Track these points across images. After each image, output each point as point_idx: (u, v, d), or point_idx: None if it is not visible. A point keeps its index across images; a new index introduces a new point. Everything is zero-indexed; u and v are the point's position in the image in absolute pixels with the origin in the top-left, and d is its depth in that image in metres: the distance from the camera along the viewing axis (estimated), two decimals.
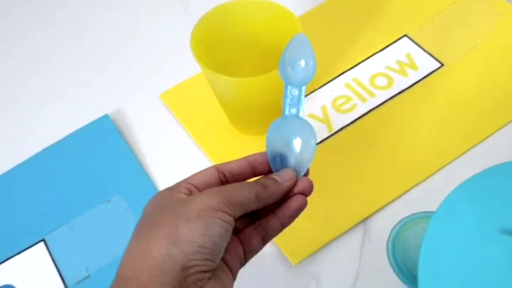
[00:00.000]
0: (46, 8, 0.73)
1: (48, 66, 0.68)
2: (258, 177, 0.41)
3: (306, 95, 0.58)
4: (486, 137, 0.54)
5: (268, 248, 0.50)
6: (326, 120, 0.56)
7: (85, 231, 0.53)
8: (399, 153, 0.54)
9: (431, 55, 0.61)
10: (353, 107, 0.57)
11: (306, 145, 0.42)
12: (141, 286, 0.32)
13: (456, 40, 0.62)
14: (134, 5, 0.72)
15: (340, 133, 0.56)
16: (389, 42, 0.62)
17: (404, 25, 0.63)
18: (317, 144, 0.55)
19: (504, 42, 0.61)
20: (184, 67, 0.62)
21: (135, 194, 0.55)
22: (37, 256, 0.52)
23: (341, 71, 0.60)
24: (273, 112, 0.56)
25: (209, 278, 0.34)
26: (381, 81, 0.59)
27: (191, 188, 0.38)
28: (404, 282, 0.34)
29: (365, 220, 0.51)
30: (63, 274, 0.50)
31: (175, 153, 0.58)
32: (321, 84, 0.59)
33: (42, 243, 0.52)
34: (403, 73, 0.60)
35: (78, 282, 0.50)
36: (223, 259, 0.36)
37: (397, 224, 0.35)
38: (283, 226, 0.40)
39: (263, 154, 0.41)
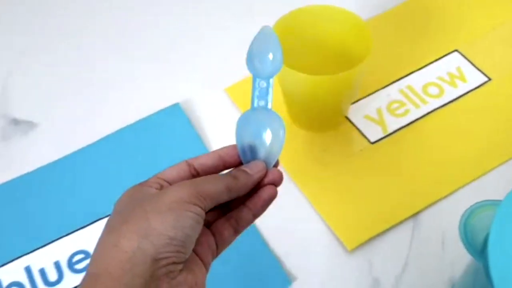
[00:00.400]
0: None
1: (131, 54, 0.72)
2: (230, 169, 0.41)
3: (366, 96, 0.63)
4: None
5: (324, 233, 0.55)
6: (381, 122, 0.61)
7: None
8: (448, 155, 0.59)
9: (479, 69, 0.65)
10: (407, 112, 0.62)
11: (275, 136, 0.42)
12: (112, 280, 0.32)
13: (503, 57, 0.66)
14: (206, 5, 0.77)
15: (394, 134, 0.60)
16: (441, 55, 0.67)
17: (456, 41, 0.68)
18: (373, 143, 0.59)
19: None
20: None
21: None
22: None
23: (397, 78, 0.65)
24: (334, 111, 0.61)
25: (181, 270, 0.34)
26: (433, 90, 0.64)
27: (162, 183, 0.38)
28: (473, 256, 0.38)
29: (415, 214, 0.55)
30: None
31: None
32: (378, 88, 0.64)
33: None
34: (453, 84, 0.64)
35: None
36: (195, 251, 0.36)
37: (468, 209, 0.39)
38: (255, 216, 0.41)
39: (233, 146, 0.42)
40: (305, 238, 0.55)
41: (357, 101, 0.62)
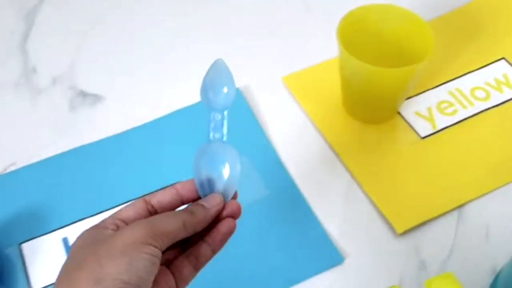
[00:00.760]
0: None
1: (199, 36, 0.76)
2: (188, 204, 0.41)
3: (418, 94, 0.66)
4: None
5: (375, 217, 0.58)
6: (431, 119, 0.65)
7: None
8: (493, 154, 0.62)
9: None
10: (455, 111, 0.65)
11: (232, 169, 0.42)
12: None
13: None
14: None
15: (443, 131, 0.64)
16: (489, 62, 0.70)
17: (503, 49, 0.71)
18: (423, 138, 0.63)
19: None
20: (304, 56, 0.72)
21: (259, 157, 0.63)
22: None
23: (446, 80, 0.68)
24: (390, 105, 0.64)
25: None
26: (480, 94, 0.67)
27: (118, 223, 0.38)
28: None
29: (461, 205, 0.59)
30: None
31: (291, 128, 0.66)
32: (428, 88, 0.67)
33: None
34: (499, 89, 0.67)
35: None
36: None
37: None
38: (214, 252, 0.40)
39: (191, 181, 0.42)
40: (357, 221, 0.59)
41: (409, 98, 0.66)
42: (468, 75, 0.69)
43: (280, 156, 0.63)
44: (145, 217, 0.39)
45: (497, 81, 0.68)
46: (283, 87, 0.70)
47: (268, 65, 0.72)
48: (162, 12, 0.79)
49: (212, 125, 0.44)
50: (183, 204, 0.42)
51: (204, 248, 0.40)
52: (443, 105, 0.66)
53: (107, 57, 0.74)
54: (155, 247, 0.35)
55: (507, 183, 0.60)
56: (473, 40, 0.72)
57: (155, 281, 0.36)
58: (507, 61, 0.70)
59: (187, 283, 0.39)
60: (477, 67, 0.69)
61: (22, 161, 0.63)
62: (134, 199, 0.58)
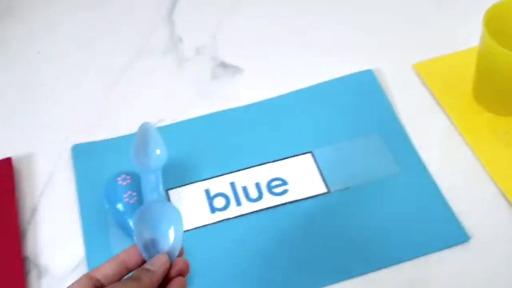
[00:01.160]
0: None
1: (332, 16, 0.80)
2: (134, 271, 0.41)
3: None
4: None
5: (500, 203, 0.60)
6: None
7: (346, 154, 0.65)
8: None
9: None
10: None
11: (175, 226, 0.42)
12: None
13: None
14: None
15: None
16: None
17: None
18: None
19: None
20: (434, 46, 0.74)
21: (390, 136, 0.66)
22: (305, 163, 0.65)
23: None
24: None
25: None
26: None
27: None
28: None
29: None
30: (326, 180, 0.63)
31: (419, 111, 0.69)
32: None
33: (309, 155, 0.65)
34: None
35: (339, 190, 0.62)
36: None
37: None
38: None
39: (133, 246, 0.41)
40: (484, 205, 0.61)
41: None
42: None
43: (410, 137, 0.66)
44: None
45: None
46: (413, 74, 0.73)
47: (399, 51, 0.75)
48: None
49: (147, 186, 0.44)
50: (129, 271, 0.41)
51: None
52: None
53: (247, 32, 0.79)
54: None
55: None
56: None
57: None
58: None
59: None
60: None
61: (169, 119, 0.70)
62: (267, 162, 0.65)
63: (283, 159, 0.65)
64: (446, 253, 0.57)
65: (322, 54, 0.76)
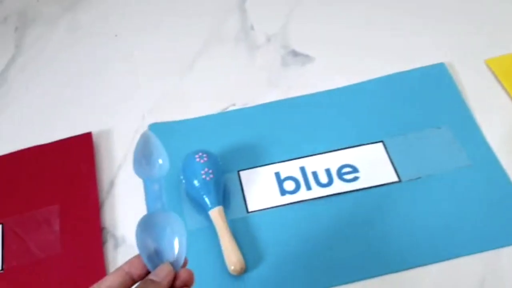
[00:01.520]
0: None
1: (401, 12, 0.80)
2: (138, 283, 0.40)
3: None
4: None
5: None
6: None
7: (417, 144, 0.65)
8: None
9: None
10: None
11: (179, 236, 0.41)
12: None
13: None
14: None
15: None
16: None
17: None
18: None
19: None
20: (509, 40, 0.74)
21: (462, 129, 0.66)
22: (376, 151, 0.65)
23: None
24: None
25: None
26: None
27: None
28: None
29: None
30: (397, 169, 0.63)
31: (492, 107, 0.68)
32: None
33: (381, 144, 0.66)
34: None
35: (410, 180, 0.62)
36: None
37: None
38: None
39: (138, 257, 0.41)
40: None
41: None
42: None
43: (483, 131, 0.66)
44: None
45: None
46: (486, 69, 0.72)
47: (472, 46, 0.75)
48: None
49: (151, 195, 0.44)
50: (134, 283, 0.41)
51: None
52: None
53: (319, 21, 0.81)
54: None
55: None
56: None
57: None
58: None
59: None
60: None
61: (240, 103, 0.72)
62: (338, 149, 0.66)
63: (354, 146, 0.66)
64: None
65: (395, 46, 0.76)
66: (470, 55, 0.74)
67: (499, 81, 0.70)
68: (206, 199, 0.60)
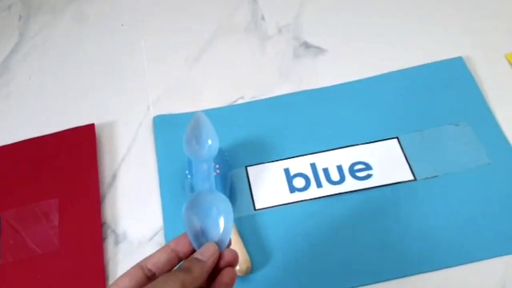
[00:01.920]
0: None
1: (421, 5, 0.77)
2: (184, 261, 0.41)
3: None
4: None
5: None
6: None
7: (434, 141, 0.62)
8: None
9: None
10: None
11: (225, 216, 0.42)
12: None
13: None
14: None
15: None
16: None
17: None
18: None
19: None
20: None
21: (481, 126, 0.63)
22: (391, 148, 0.62)
23: None
24: None
25: None
26: None
27: None
28: None
29: None
30: (412, 167, 0.60)
31: (507, 104, 0.65)
32: None
33: (395, 140, 0.63)
34: None
35: (426, 178, 0.59)
36: None
37: None
38: None
39: (184, 235, 0.41)
40: None
41: None
42: None
43: (502, 128, 0.63)
44: (143, 283, 0.39)
45: None
46: (505, 63, 0.69)
47: (491, 40, 0.72)
48: None
49: (199, 175, 0.44)
50: (180, 260, 0.41)
51: None
52: None
53: (332, 12, 0.77)
54: None
55: None
56: None
57: None
58: None
59: None
60: None
61: (249, 96, 0.69)
62: (350, 145, 0.63)
63: (367, 143, 0.63)
64: None
65: (411, 39, 0.73)
66: (489, 48, 0.71)
67: None
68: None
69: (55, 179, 0.62)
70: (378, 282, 0.54)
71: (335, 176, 0.61)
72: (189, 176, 0.60)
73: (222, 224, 0.42)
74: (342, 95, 0.68)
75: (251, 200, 0.60)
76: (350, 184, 0.60)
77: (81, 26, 0.81)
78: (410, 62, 0.70)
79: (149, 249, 0.57)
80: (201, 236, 0.42)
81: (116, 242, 0.58)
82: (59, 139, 0.65)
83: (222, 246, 0.42)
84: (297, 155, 0.63)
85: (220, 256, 0.41)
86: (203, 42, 0.76)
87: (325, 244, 0.56)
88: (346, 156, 0.62)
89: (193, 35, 0.77)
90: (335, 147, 0.63)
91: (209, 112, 0.67)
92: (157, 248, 0.56)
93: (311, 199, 0.59)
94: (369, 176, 0.60)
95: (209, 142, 0.46)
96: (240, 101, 0.69)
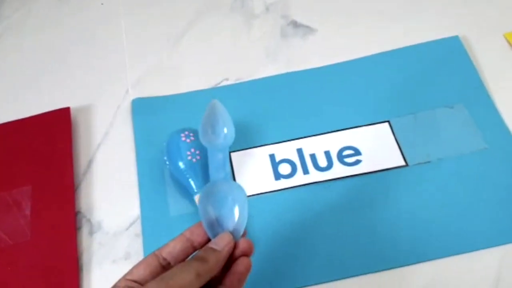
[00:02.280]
0: None
1: None
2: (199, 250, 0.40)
3: None
4: None
5: None
6: None
7: (427, 125, 0.59)
8: None
9: None
10: None
11: (240, 206, 0.41)
12: None
13: None
14: None
15: None
16: None
17: None
18: None
19: None
20: None
21: (477, 109, 0.59)
22: (382, 132, 0.59)
23: None
24: None
25: None
26: None
27: (131, 285, 0.38)
28: None
29: None
30: (404, 152, 0.57)
31: (510, 86, 0.62)
32: None
33: (386, 124, 0.59)
34: None
35: (418, 164, 0.56)
36: None
37: None
38: None
39: (199, 224, 0.41)
40: None
41: None
42: None
43: (500, 111, 0.59)
44: (158, 272, 0.39)
45: None
46: (504, 43, 0.65)
47: (489, 19, 0.68)
48: None
49: (214, 165, 0.43)
50: (195, 249, 0.41)
51: None
52: None
53: None
54: None
55: None
56: None
57: None
58: None
59: None
60: None
61: (234, 78, 0.65)
62: (339, 130, 0.60)
63: (357, 127, 0.60)
64: None
65: (405, 18, 0.69)
66: (486, 27, 0.67)
67: None
68: (192, 183, 0.54)
69: (28, 166, 0.59)
70: (367, 273, 0.51)
71: (322, 162, 0.58)
72: (167, 163, 0.56)
73: (237, 214, 0.42)
74: (331, 77, 0.64)
75: None
76: (338, 170, 0.57)
77: (58, 5, 0.77)
78: (403, 42, 0.66)
79: (125, 239, 0.54)
80: (216, 226, 0.42)
81: (91, 232, 0.55)
82: (33, 123, 0.62)
83: (237, 236, 0.41)
84: (283, 140, 0.60)
85: (235, 246, 0.41)
86: (186, 21, 0.72)
87: (311, 234, 0.53)
88: (334, 141, 0.59)
89: (175, 13, 0.73)
90: (323, 132, 0.60)
91: (191, 95, 0.64)
92: (133, 238, 0.55)
93: (297, 186, 0.56)
94: (358, 162, 0.57)
95: (225, 130, 0.45)
96: (224, 83, 0.65)
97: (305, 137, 0.60)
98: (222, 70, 0.66)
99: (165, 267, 0.40)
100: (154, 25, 0.72)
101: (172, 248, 0.40)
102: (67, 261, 0.53)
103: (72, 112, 0.63)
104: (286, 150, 0.59)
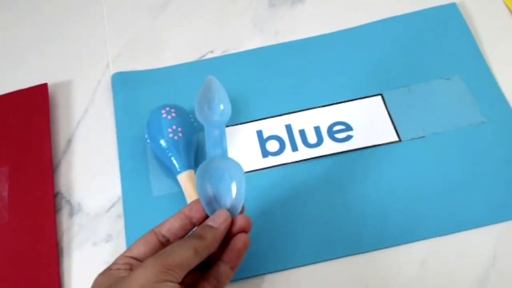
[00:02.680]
0: None
1: None
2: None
3: None
4: None
5: None
6: None
7: (422, 98, 0.56)
8: None
9: None
10: None
11: (238, 182, 0.42)
12: None
13: None
14: None
15: None
16: None
17: None
18: None
19: None
20: None
21: (475, 79, 0.57)
22: (374, 106, 0.56)
23: None
24: None
25: None
26: None
27: (131, 262, 0.38)
28: None
29: None
30: (397, 127, 0.55)
31: (510, 56, 0.59)
32: None
33: (379, 97, 0.57)
34: None
35: (412, 139, 0.54)
36: None
37: None
38: (233, 268, 0.41)
39: (198, 201, 0.41)
40: None
41: None
42: None
43: (499, 83, 0.57)
44: (157, 249, 0.40)
45: None
46: (504, 10, 0.62)
47: None
48: None
49: (211, 141, 0.43)
50: (193, 226, 0.42)
51: (222, 267, 0.40)
52: None
53: None
54: (171, 281, 0.36)
55: None
56: None
57: None
58: None
59: None
60: None
61: (219, 51, 0.62)
62: (329, 104, 0.57)
63: (348, 101, 0.57)
64: None
65: None
66: None
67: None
68: (175, 162, 0.52)
69: (4, 145, 0.57)
70: (358, 253, 0.49)
71: (312, 138, 0.55)
72: (148, 141, 0.54)
73: (234, 190, 0.42)
74: (321, 48, 0.61)
75: None
76: (329, 146, 0.54)
77: None
78: (397, 10, 0.63)
79: (106, 221, 0.52)
80: (213, 202, 0.42)
81: (71, 214, 0.53)
82: (8, 101, 0.59)
83: (234, 212, 0.42)
84: (271, 115, 0.57)
85: (233, 222, 0.41)
86: None
87: (300, 213, 0.51)
88: (324, 116, 0.56)
89: None
90: (312, 107, 0.57)
91: (174, 69, 0.62)
92: (115, 220, 0.53)
93: (286, 164, 0.54)
94: (349, 137, 0.55)
95: (221, 107, 0.45)
96: (209, 56, 0.62)
97: (294, 112, 0.57)
98: (207, 42, 0.63)
99: (164, 244, 0.40)
100: None
101: (171, 225, 0.41)
102: (46, 244, 0.51)
103: (50, 88, 0.60)
104: (274, 126, 0.56)
